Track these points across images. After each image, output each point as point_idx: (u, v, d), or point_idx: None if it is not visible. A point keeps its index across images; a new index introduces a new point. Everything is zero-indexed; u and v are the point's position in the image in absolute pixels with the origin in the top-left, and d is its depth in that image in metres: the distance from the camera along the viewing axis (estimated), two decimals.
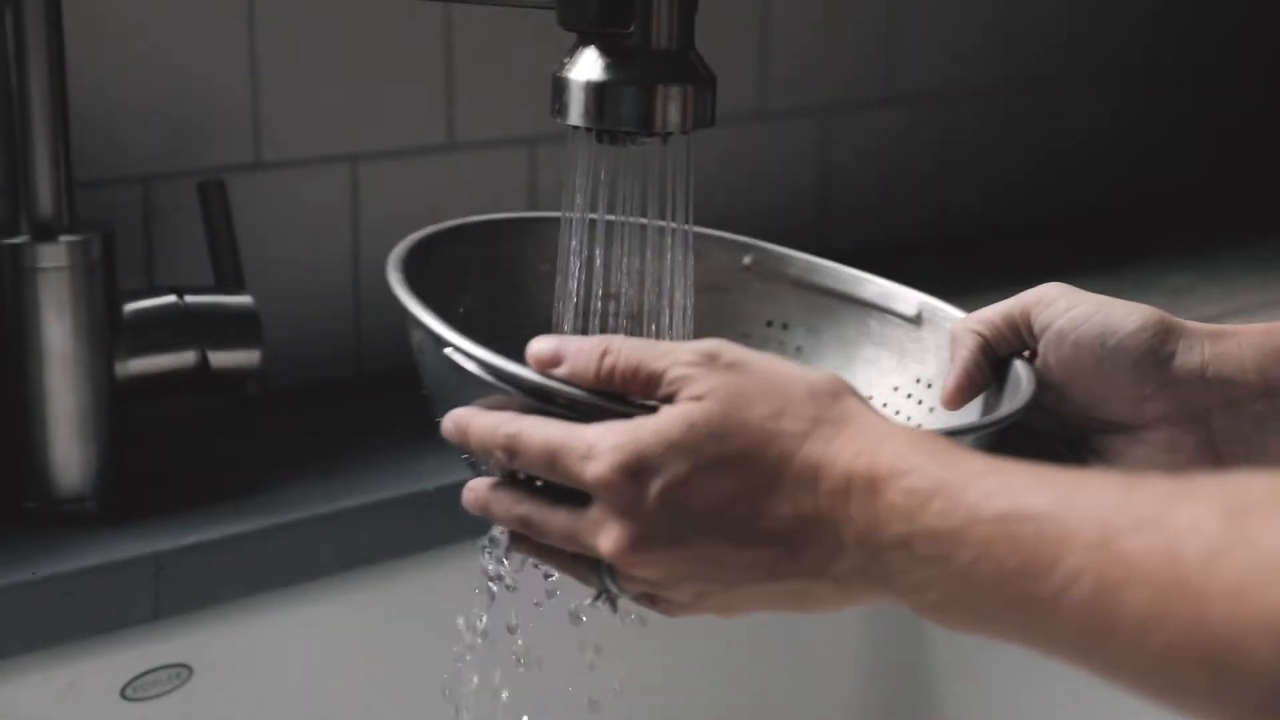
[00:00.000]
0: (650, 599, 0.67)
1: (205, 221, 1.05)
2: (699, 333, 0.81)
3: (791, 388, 0.63)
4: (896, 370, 0.83)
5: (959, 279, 1.42)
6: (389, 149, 1.25)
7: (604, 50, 0.74)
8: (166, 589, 0.95)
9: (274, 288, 1.16)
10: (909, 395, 0.82)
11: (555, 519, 0.66)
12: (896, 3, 1.56)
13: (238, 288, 1.04)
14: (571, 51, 0.75)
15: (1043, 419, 0.76)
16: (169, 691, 0.97)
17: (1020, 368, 0.75)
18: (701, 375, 0.63)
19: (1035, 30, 1.66)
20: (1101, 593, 0.52)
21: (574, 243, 0.78)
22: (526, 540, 0.69)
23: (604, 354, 0.65)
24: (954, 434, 0.69)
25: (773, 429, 0.62)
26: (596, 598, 0.70)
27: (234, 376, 1.03)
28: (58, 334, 0.97)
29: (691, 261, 0.80)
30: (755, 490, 0.62)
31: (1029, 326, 0.75)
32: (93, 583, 0.92)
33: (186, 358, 1.01)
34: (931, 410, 0.80)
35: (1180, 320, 0.75)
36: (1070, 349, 0.74)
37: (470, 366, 0.68)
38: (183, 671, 0.97)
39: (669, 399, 0.64)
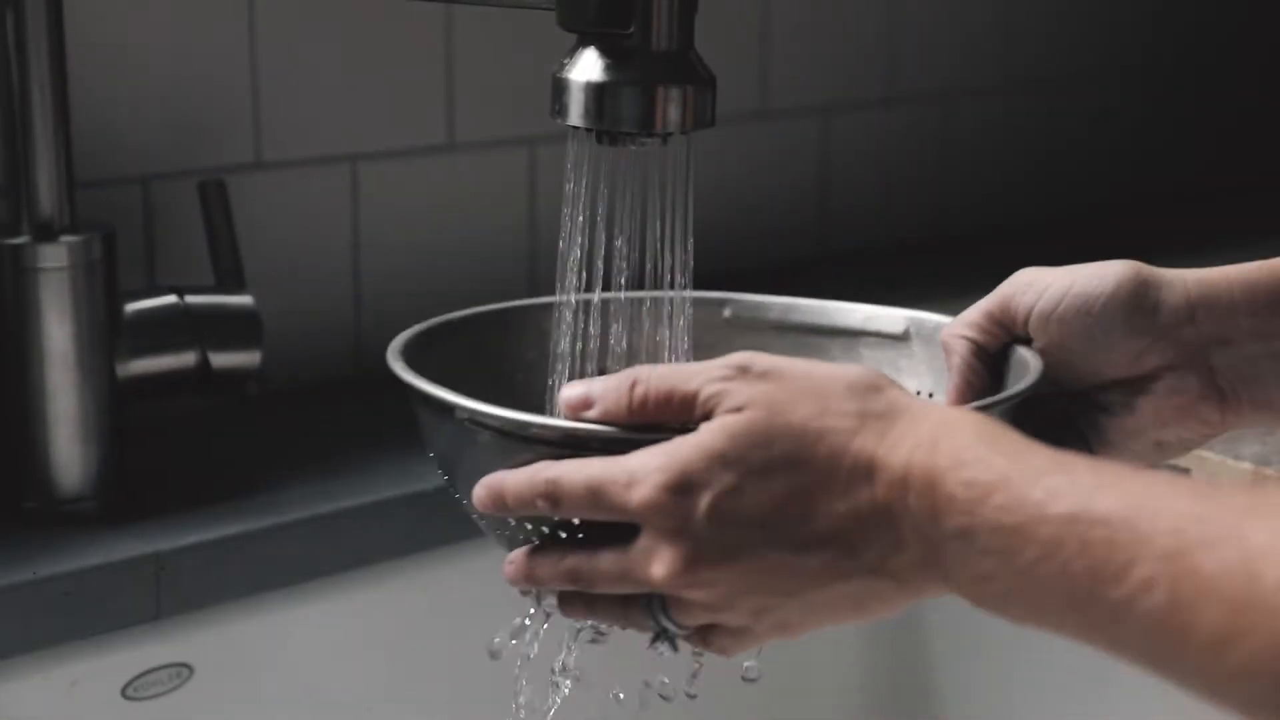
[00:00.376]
0: (706, 635, 0.66)
1: (205, 221, 1.05)
2: None
3: (830, 386, 0.62)
4: None
5: (959, 279, 1.42)
6: (389, 149, 1.25)
7: (604, 51, 0.74)
8: (166, 589, 0.95)
9: (274, 288, 1.16)
10: None
11: (603, 561, 0.65)
12: (896, 3, 1.56)
13: (238, 288, 1.04)
14: (571, 52, 0.75)
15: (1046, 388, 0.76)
16: (169, 691, 0.97)
17: (1023, 352, 0.75)
18: (736, 388, 0.63)
19: (1035, 30, 1.66)
20: (1175, 605, 0.52)
21: (572, 277, 0.78)
22: (574, 600, 0.67)
23: (633, 385, 0.64)
24: (979, 410, 0.68)
25: (819, 428, 0.61)
26: (655, 640, 0.67)
27: (234, 376, 1.03)
28: (58, 334, 0.97)
29: (690, 262, 0.79)
30: (808, 491, 0.61)
31: (1013, 318, 0.75)
32: (93, 583, 0.92)
33: (187, 358, 1.01)
34: None
35: (1155, 268, 0.74)
36: (1057, 327, 0.74)
37: (491, 430, 0.67)
38: (183, 671, 0.97)
39: (707, 417, 0.63)
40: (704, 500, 0.61)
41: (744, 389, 0.62)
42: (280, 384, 1.16)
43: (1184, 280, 0.74)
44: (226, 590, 0.97)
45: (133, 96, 1.12)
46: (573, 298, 0.78)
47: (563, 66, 0.75)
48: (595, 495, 0.63)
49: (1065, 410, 0.76)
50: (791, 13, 1.48)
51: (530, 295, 0.88)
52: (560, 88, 0.75)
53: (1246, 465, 1.04)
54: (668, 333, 0.80)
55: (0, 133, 0.97)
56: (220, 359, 1.02)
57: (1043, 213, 1.69)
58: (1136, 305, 0.73)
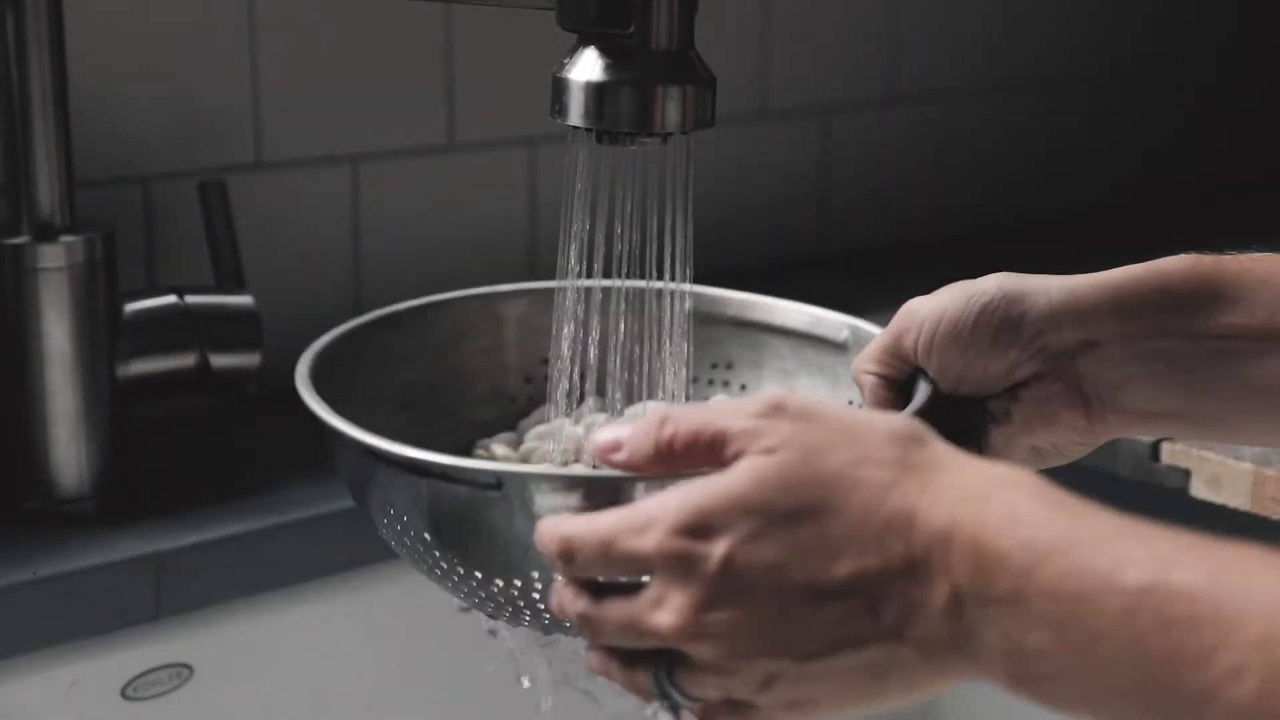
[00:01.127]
0: (712, 716, 0.61)
1: (205, 221, 1.05)
2: (649, 389, 0.82)
3: (870, 432, 0.59)
4: (831, 396, 0.85)
5: (959, 279, 1.42)
6: (389, 149, 1.25)
7: (604, 50, 0.74)
8: (166, 589, 0.95)
9: (274, 288, 1.16)
10: None
11: (610, 608, 0.60)
12: (896, 3, 1.56)
13: (238, 288, 1.04)
14: (571, 52, 0.75)
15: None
16: (169, 691, 0.97)
17: (920, 382, 0.76)
18: (771, 427, 0.59)
19: (1034, 30, 1.66)
20: (1269, 696, 0.49)
21: (575, 267, 0.78)
22: (592, 650, 0.63)
23: (662, 424, 0.61)
24: None
25: (855, 477, 0.57)
26: (659, 704, 0.62)
27: (234, 377, 1.03)
28: (58, 334, 0.97)
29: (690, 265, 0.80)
30: (834, 542, 0.56)
31: (905, 352, 0.75)
32: (93, 583, 0.92)
33: (187, 358, 1.01)
34: None
35: (1024, 278, 0.75)
36: (937, 356, 0.74)
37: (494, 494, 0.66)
38: (183, 671, 0.97)
39: (738, 456, 0.59)
40: (720, 546, 0.57)
41: (778, 429, 0.59)
42: (281, 384, 1.16)
43: (1048, 288, 0.74)
44: (226, 590, 0.97)
45: (133, 96, 1.12)
46: (563, 283, 0.78)
47: (563, 66, 0.75)
48: (607, 548, 0.59)
49: (960, 419, 0.77)
50: (791, 13, 1.48)
51: None
52: (560, 88, 0.75)
53: (1247, 465, 1.04)
54: (638, 324, 0.81)
55: (0, 133, 0.97)
56: (220, 359, 1.02)
57: (1043, 213, 1.69)
58: (1001, 322, 0.74)
